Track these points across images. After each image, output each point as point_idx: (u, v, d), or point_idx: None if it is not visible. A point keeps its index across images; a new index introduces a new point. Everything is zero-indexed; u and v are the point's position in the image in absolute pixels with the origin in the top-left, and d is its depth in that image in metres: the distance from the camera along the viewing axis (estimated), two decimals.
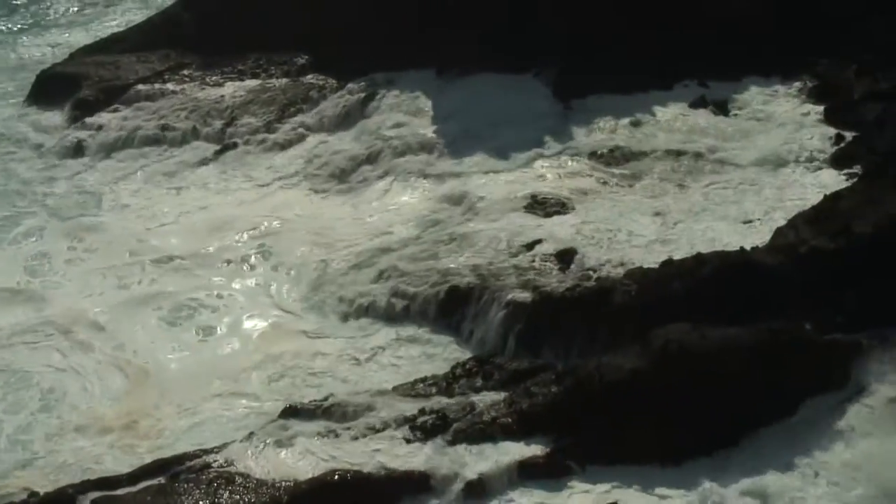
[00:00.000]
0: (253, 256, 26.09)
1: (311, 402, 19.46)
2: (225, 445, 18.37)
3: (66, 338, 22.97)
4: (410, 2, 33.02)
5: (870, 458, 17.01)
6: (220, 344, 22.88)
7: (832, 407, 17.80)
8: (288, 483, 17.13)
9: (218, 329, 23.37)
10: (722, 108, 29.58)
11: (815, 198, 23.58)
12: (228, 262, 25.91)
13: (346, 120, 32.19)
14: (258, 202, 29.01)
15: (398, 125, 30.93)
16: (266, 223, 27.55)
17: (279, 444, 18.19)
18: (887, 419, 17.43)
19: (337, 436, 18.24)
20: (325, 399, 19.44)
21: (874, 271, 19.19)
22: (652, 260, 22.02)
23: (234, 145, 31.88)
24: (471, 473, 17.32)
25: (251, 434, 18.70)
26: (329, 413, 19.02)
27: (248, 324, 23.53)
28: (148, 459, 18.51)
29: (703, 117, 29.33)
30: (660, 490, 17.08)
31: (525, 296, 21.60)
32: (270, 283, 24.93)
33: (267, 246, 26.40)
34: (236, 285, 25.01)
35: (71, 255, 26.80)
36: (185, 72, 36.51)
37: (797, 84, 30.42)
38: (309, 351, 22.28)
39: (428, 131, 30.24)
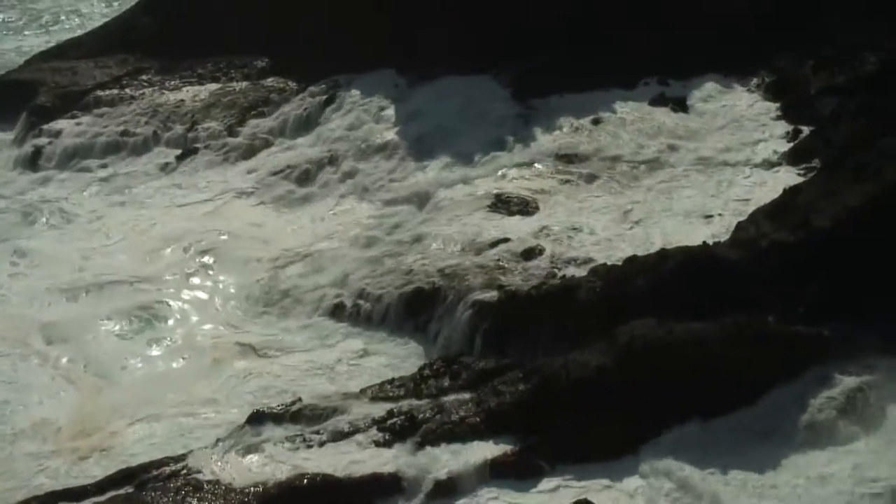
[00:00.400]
0: (204, 267, 25.83)
1: (278, 406, 19.37)
2: (192, 452, 18.23)
3: (15, 351, 22.65)
4: (370, 4, 32.99)
5: (833, 448, 17.27)
6: (172, 355, 22.64)
7: (796, 398, 17.99)
8: (257, 489, 17.02)
9: (170, 340, 23.13)
10: (681, 106, 29.85)
11: (774, 192, 23.87)
12: (180, 274, 25.61)
13: (307, 123, 32.10)
14: (213, 213, 28.76)
15: (359, 128, 30.91)
16: (219, 233, 27.30)
17: (247, 449, 18.06)
18: (850, 410, 17.66)
19: (305, 440, 18.16)
20: (293, 403, 19.34)
21: (834, 263, 19.44)
22: (616, 257, 22.20)
23: (196, 151, 31.67)
24: (441, 474, 17.31)
25: (218, 441, 18.57)
26: (297, 417, 18.95)
27: (201, 333, 23.30)
28: (103, 471, 18.32)
29: (662, 115, 29.57)
30: (629, 484, 17.18)
31: (491, 295, 21.65)
32: (224, 293, 24.72)
33: (220, 255, 26.15)
34: (187, 296, 24.73)
35: (13, 269, 26.33)
36: (144, 77, 36.24)
37: (755, 80, 30.78)
38: (266, 357, 22.18)
39: (390, 133, 30.24)
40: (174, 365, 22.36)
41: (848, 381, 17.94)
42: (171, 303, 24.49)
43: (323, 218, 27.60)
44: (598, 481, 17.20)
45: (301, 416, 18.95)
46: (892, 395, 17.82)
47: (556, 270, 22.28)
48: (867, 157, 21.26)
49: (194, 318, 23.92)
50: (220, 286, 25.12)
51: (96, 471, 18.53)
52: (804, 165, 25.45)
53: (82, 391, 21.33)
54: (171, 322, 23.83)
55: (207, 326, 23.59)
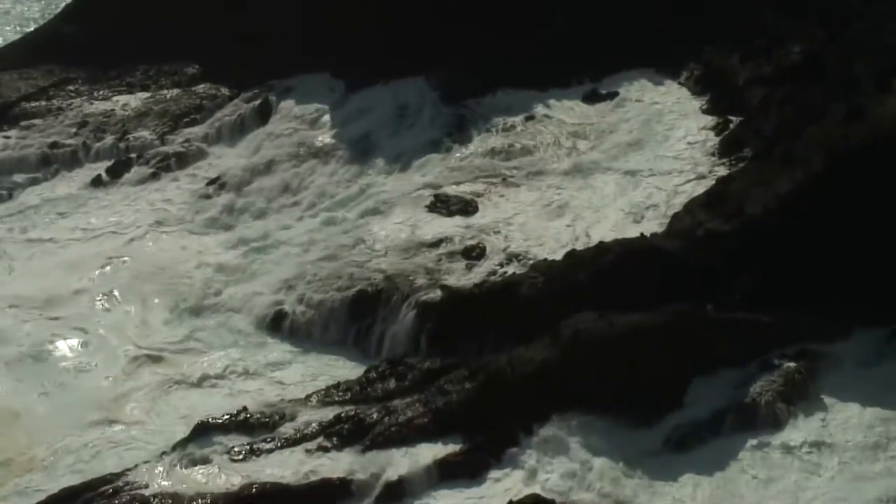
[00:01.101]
0: (128, 286, 25.11)
1: (223, 416, 19.13)
2: (136, 467, 17.94)
3: None
4: (302, 9, 32.81)
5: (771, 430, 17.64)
6: (94, 377, 21.92)
7: (736, 384, 18.32)
8: (205, 500, 16.82)
9: (91, 361, 22.40)
10: (614, 101, 30.19)
11: (707, 182, 24.29)
12: (101, 294, 24.83)
13: (241, 130, 31.77)
14: (142, 228, 27.98)
15: (295, 133, 30.69)
16: (146, 249, 26.78)
17: (193, 462, 17.84)
18: (791, 393, 18.02)
19: (253, 449, 17.99)
20: (238, 413, 19.13)
21: (768, 251, 19.82)
22: (554, 251, 22.38)
23: (128, 162, 31.08)
24: (390, 476, 17.30)
25: (163, 454, 18.30)
26: (243, 426, 18.75)
27: (117, 354, 22.60)
28: (31, 495, 17.87)
29: (595, 111, 29.87)
30: (576, 474, 17.32)
31: (434, 295, 21.68)
32: (150, 309, 24.16)
33: (144, 272, 25.52)
34: (103, 320, 23.94)
35: None
36: (72, 87, 35.50)
37: (685, 73, 31.24)
38: (192, 368, 21.84)
39: (326, 137, 30.10)
40: (96, 385, 21.71)
41: (786, 366, 18.31)
42: (91, 324, 23.78)
43: (258, 224, 27.33)
44: (548, 475, 17.30)
45: (247, 426, 18.76)
46: (827, 378, 18.25)
47: (497, 268, 22.38)
48: (795, 145, 21.73)
49: (114, 341, 23.17)
50: (146, 303, 24.51)
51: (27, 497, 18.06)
52: (735, 155, 25.85)
53: None
54: (91, 345, 23.08)
55: (129, 347, 22.91)
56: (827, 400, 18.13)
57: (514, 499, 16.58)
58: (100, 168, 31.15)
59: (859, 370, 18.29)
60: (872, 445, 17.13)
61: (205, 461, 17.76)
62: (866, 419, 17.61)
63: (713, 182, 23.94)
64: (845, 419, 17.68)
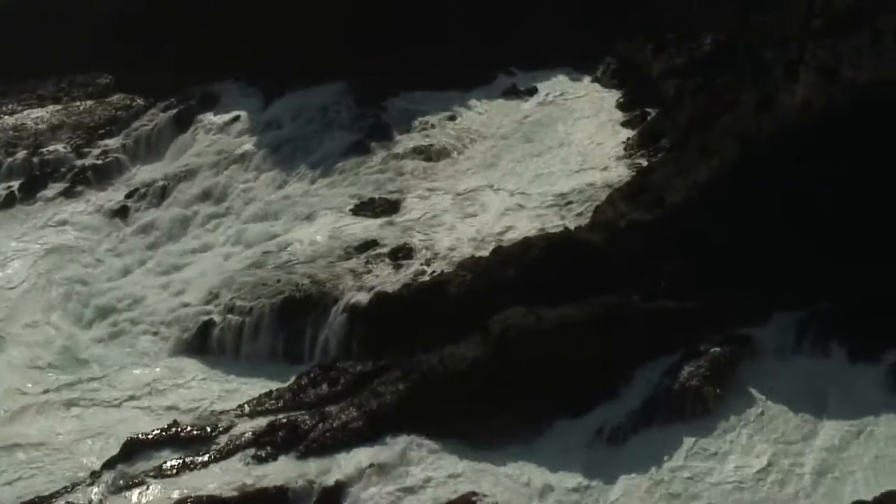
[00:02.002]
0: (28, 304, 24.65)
1: (153, 431, 18.79)
2: (66, 489, 17.56)
3: None
4: (220, 18, 32.43)
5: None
6: None
7: (666, 371, 18.61)
8: None
9: None
10: (533, 97, 30.53)
11: (620, 172, 24.71)
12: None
13: (159, 139, 31.28)
14: (55, 247, 27.42)
15: (215, 141, 30.33)
16: (48, 265, 26.21)
17: (125, 480, 17.48)
18: (718, 378, 18.35)
19: (186, 463, 17.72)
20: (169, 427, 18.83)
21: (689, 238, 20.20)
22: (480, 248, 22.52)
23: (41, 178, 30.28)
24: (327, 481, 17.19)
25: (93, 473, 17.94)
26: (175, 441, 18.44)
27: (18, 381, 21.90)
28: None
29: (515, 108, 30.19)
30: (513, 472, 17.46)
31: (363, 298, 21.63)
32: (58, 326, 23.76)
33: (43, 288, 25.15)
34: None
35: None
36: None
37: (601, 68, 31.73)
38: (104, 387, 21.39)
39: (247, 145, 29.80)
40: None
41: (713, 351, 18.64)
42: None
43: (180, 233, 26.95)
44: (484, 472, 17.39)
45: (179, 440, 18.46)
46: (751, 362, 18.66)
47: (424, 267, 22.43)
48: (710, 135, 22.20)
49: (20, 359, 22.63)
50: (57, 319, 24.10)
51: None
52: (653, 146, 26.34)
53: None
54: None
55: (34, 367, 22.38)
56: (752, 383, 18.52)
57: (451, 497, 16.64)
58: (11, 186, 30.37)
59: (780, 353, 18.72)
60: (797, 427, 17.57)
61: (137, 479, 17.42)
62: (790, 402, 18.05)
63: (633, 174, 24.35)
64: (771, 403, 18.09)
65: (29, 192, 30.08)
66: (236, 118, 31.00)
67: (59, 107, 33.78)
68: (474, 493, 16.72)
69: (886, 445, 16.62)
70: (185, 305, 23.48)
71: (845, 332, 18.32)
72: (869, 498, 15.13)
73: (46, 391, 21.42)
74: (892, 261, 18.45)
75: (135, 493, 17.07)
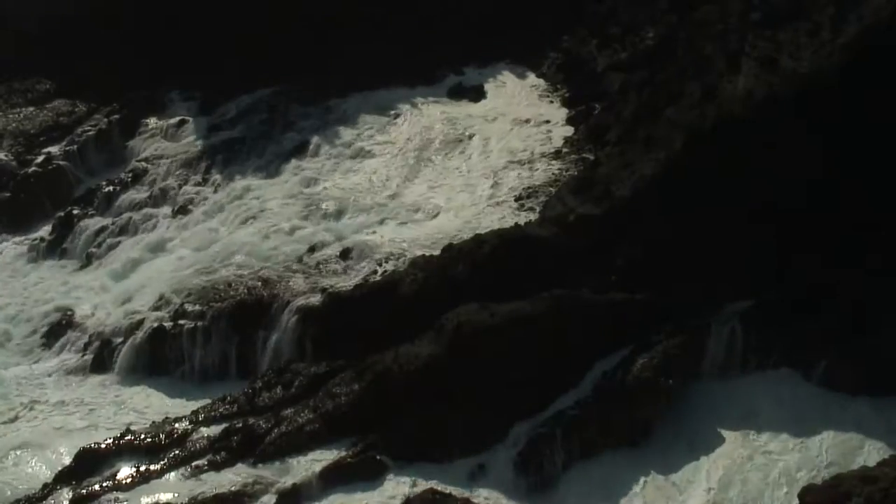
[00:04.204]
0: None
1: (106, 441, 18.55)
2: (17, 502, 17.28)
3: None
4: (160, 23, 32.08)
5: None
6: None
7: (618, 364, 18.78)
8: None
9: None
10: (478, 94, 30.65)
11: (573, 168, 24.87)
12: None
13: (105, 145, 30.83)
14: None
15: (161, 145, 30.00)
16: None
17: (77, 490, 17.25)
18: (667, 369, 18.56)
19: (140, 472, 17.52)
20: (122, 436, 18.60)
21: (638, 230, 20.39)
22: (431, 246, 22.53)
23: None
24: (284, 485, 17.15)
25: (45, 486, 17.65)
26: (128, 449, 18.24)
27: None
28: None
29: (459, 105, 30.28)
30: (472, 470, 17.55)
31: (315, 299, 21.53)
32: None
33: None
34: None
35: None
36: None
37: (546, 63, 31.92)
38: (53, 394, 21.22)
39: (192, 149, 29.51)
40: None
41: (665, 343, 18.84)
42: None
43: (128, 239, 26.63)
44: (442, 469, 17.45)
45: (132, 448, 18.26)
46: (702, 354, 18.91)
47: (376, 267, 22.40)
48: (655, 127, 22.42)
49: None
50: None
51: None
52: (600, 140, 26.52)
53: None
54: None
55: None
56: (705, 374, 18.80)
57: (411, 495, 16.66)
58: None
59: (730, 343, 18.97)
60: (743, 416, 17.89)
61: (90, 489, 17.20)
62: (741, 392, 18.35)
63: (581, 168, 24.53)
64: (724, 394, 18.39)
65: None
66: (182, 122, 30.68)
67: None
68: (435, 490, 16.78)
69: None
70: (133, 312, 23.15)
71: (790, 324, 18.63)
72: None
73: None
74: (838, 250, 18.80)
75: None
